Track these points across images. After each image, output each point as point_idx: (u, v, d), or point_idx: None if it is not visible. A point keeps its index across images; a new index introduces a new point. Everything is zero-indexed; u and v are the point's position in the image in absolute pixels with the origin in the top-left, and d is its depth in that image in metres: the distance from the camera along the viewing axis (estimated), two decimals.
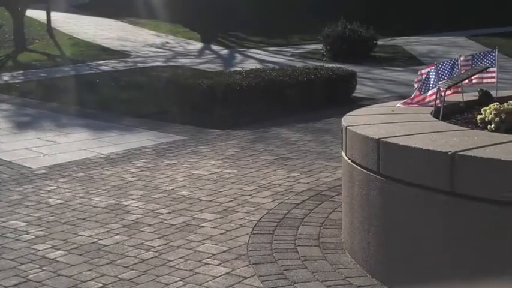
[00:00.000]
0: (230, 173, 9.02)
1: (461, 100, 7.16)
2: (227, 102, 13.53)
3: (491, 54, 7.73)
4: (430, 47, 27.25)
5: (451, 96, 7.21)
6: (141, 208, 7.54)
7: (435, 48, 26.73)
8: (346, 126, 5.76)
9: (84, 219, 7.20)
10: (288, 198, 7.64)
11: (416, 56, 24.99)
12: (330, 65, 17.09)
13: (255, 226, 6.67)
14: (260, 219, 6.91)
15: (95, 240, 6.48)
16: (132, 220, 7.09)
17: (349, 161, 5.63)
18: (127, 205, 7.68)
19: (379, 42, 25.71)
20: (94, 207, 7.67)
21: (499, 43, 27.78)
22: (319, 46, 25.75)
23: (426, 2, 37.10)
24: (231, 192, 8.04)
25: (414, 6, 36.78)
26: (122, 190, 8.38)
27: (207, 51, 27.87)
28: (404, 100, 6.95)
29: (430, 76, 6.54)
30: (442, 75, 6.63)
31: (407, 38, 30.04)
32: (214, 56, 26.62)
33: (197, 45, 29.39)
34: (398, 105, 6.88)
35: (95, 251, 6.16)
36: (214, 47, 28.78)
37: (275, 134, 11.91)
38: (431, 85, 6.49)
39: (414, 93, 6.77)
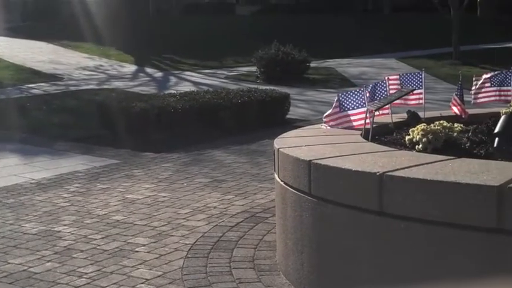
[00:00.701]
0: (164, 197, 8.97)
1: (390, 121, 7.33)
2: (161, 125, 13.48)
3: (419, 76, 7.96)
4: (361, 69, 27.79)
5: (380, 117, 7.38)
6: (73, 234, 7.42)
7: (367, 70, 27.29)
8: (278, 149, 5.82)
9: (14, 246, 7.04)
10: (223, 221, 7.64)
11: (348, 77, 25.44)
12: (264, 87, 17.23)
13: (189, 250, 6.65)
14: (195, 242, 6.89)
15: (26, 267, 6.33)
16: (64, 246, 6.96)
17: (282, 183, 5.68)
18: (59, 231, 7.54)
19: (312, 65, 26.07)
20: (25, 233, 7.50)
21: (428, 65, 28.58)
22: (253, 68, 25.94)
23: (357, 25, 37.90)
24: (165, 216, 7.99)
25: (346, 29, 37.51)
26: (53, 216, 8.22)
27: (141, 74, 27.70)
28: (326, 118, 7.02)
29: (356, 96, 6.67)
30: (371, 96, 6.79)
31: (339, 60, 30.56)
32: (148, 78, 26.49)
33: (131, 68, 29.18)
34: (323, 125, 6.99)
35: (26, 279, 6.02)
36: (149, 70, 28.63)
37: (210, 156, 11.91)
38: (357, 105, 6.63)
39: (333, 112, 6.86)
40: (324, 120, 7.02)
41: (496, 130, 5.48)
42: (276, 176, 6.02)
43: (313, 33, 35.31)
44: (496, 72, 8.74)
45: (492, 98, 8.60)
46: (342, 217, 4.83)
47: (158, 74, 27.74)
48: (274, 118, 15.07)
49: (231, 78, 25.63)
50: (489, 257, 4.01)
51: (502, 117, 5.64)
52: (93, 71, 28.31)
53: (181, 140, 13.04)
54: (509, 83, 8.65)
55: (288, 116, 15.99)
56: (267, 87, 17.29)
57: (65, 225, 7.79)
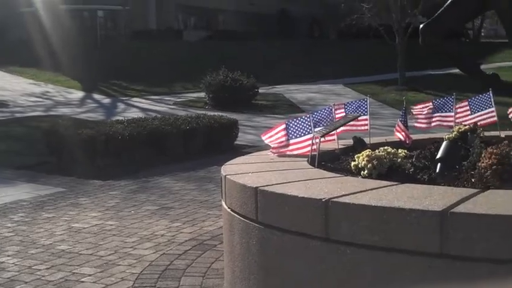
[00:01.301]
0: (111, 225, 8.85)
1: (337, 147, 7.41)
2: (108, 152, 13.35)
3: (364, 103, 8.08)
4: (309, 95, 28.11)
5: (327, 143, 7.45)
6: (17, 265, 7.25)
7: (314, 96, 27.62)
8: (225, 175, 5.82)
9: None
10: (171, 249, 7.58)
11: (296, 103, 25.70)
12: (212, 113, 17.26)
13: (136, 279, 6.56)
14: (142, 271, 6.80)
15: None
16: (7, 278, 6.80)
17: (229, 210, 5.67)
18: (2, 262, 7.36)
19: (261, 90, 26.28)
20: None
21: (375, 90, 29.09)
22: (202, 94, 25.99)
23: (305, 51, 38.34)
24: (112, 245, 7.88)
25: (294, 55, 37.90)
26: None
27: (89, 100, 27.48)
28: (272, 143, 7.06)
29: (302, 123, 6.73)
30: (317, 123, 6.86)
31: (287, 86, 30.85)
32: (95, 105, 26.28)
33: (78, 94, 28.93)
34: (271, 151, 7.03)
35: None
36: (96, 96, 28.43)
37: (158, 183, 11.83)
38: (303, 132, 6.68)
39: (280, 139, 6.91)
40: (271, 146, 7.05)
41: (438, 156, 5.59)
42: (223, 203, 6.01)
43: (261, 59, 35.59)
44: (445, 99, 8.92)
45: (434, 124, 8.76)
46: (288, 244, 4.84)
47: (106, 100, 27.55)
48: (222, 144, 15.09)
49: (179, 105, 25.61)
50: (433, 282, 4.06)
51: (444, 143, 5.76)
52: (39, 97, 27.97)
53: (129, 167, 12.94)
54: (451, 108, 8.84)
55: (236, 142, 16.03)
56: (216, 114, 17.33)
57: (8, 255, 7.61)
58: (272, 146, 6.98)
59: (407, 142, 7.99)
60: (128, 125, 14.45)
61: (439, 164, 5.52)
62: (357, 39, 45.51)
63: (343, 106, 7.90)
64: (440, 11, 7.08)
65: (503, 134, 8.84)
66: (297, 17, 48.97)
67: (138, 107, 24.86)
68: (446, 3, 7.07)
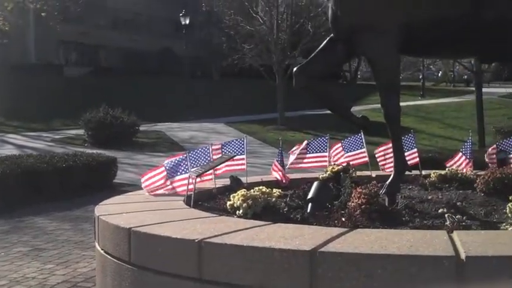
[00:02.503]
0: None
1: (214, 186, 7.45)
2: None
3: (241, 142, 8.19)
4: (191, 133, 28.16)
5: (205, 182, 7.48)
6: None
7: (196, 134, 27.68)
8: (98, 216, 5.70)
9: None
10: None
11: (177, 141, 25.67)
12: (91, 151, 16.93)
13: None
14: None
15: None
16: None
17: (102, 251, 5.55)
18: None
19: (142, 128, 26.06)
20: None
21: (255, 129, 29.56)
22: (81, 131, 25.46)
23: (188, 90, 38.48)
24: None
25: (176, 93, 37.95)
26: None
27: None
28: (149, 184, 7.03)
29: (179, 163, 6.74)
30: (193, 162, 6.88)
31: (169, 124, 30.79)
32: None
33: None
34: (146, 191, 6.98)
35: None
36: None
37: (32, 223, 11.40)
38: (180, 171, 6.69)
39: (157, 178, 6.90)
40: (145, 187, 7.01)
41: (309, 196, 5.73)
42: (96, 244, 5.88)
43: (144, 97, 35.40)
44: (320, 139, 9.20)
45: (309, 164, 9.00)
46: (162, 285, 4.78)
47: None
48: (100, 183, 14.79)
49: (57, 142, 24.96)
50: None
51: (314, 184, 5.92)
52: None
53: (2, 206, 12.41)
54: (326, 149, 9.12)
55: (115, 180, 15.77)
56: (94, 151, 17.00)
57: None
58: (149, 189, 6.95)
59: (283, 181, 8.15)
60: (0, 163, 13.89)
61: (310, 204, 5.66)
62: (238, 78, 46.19)
63: (220, 146, 7.98)
64: (312, 55, 7.32)
65: (374, 173, 9.20)
66: (180, 56, 49.11)
67: (13, 144, 24.00)
68: (318, 48, 7.32)
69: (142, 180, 7.03)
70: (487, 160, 9.93)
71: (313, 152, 8.96)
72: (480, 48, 7.40)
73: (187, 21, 40.56)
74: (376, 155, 9.53)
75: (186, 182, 6.59)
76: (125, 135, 24.26)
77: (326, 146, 9.09)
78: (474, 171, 9.00)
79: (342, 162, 8.97)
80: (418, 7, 6.78)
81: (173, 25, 49.33)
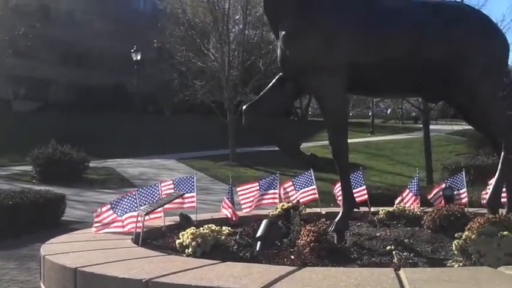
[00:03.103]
0: None
1: (163, 224, 7.39)
2: None
3: (191, 180, 8.17)
4: (141, 169, 27.92)
5: (154, 220, 7.42)
6: None
7: (146, 171, 27.45)
8: (44, 255, 5.60)
9: None
10: None
11: (128, 178, 25.41)
12: (39, 188, 16.62)
13: None
14: None
15: None
16: None
17: None
18: None
19: (92, 164, 25.75)
20: None
21: (207, 166, 29.48)
22: (29, 168, 25.03)
23: (139, 126, 38.28)
24: None
25: (127, 129, 37.71)
26: None
27: None
28: (97, 223, 6.96)
29: (128, 201, 6.69)
30: (142, 200, 6.83)
31: (120, 160, 30.50)
32: None
33: None
34: (94, 229, 6.90)
35: None
36: None
37: None
38: (128, 210, 6.63)
39: (104, 216, 6.83)
40: (95, 225, 6.92)
41: (258, 234, 5.74)
42: (41, 284, 5.76)
43: (94, 133, 35.05)
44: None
45: (260, 202, 9.03)
46: None
47: None
48: (48, 220, 14.51)
49: (4, 178, 24.43)
50: None
51: (264, 222, 5.93)
52: None
53: None
54: (276, 186, 9.16)
55: (63, 218, 15.50)
56: (42, 188, 16.70)
57: None
58: (98, 227, 6.86)
59: (233, 219, 8.14)
60: None
61: (259, 242, 5.66)
62: (190, 114, 46.15)
63: (171, 183, 7.95)
64: (262, 93, 7.40)
65: (324, 210, 9.26)
66: (131, 91, 48.89)
67: None
68: (268, 86, 7.40)
69: (95, 215, 6.95)
70: (431, 200, 10.11)
71: (264, 190, 9.00)
72: (424, 89, 7.60)
73: (139, 57, 40.48)
74: (335, 192, 9.58)
75: (134, 220, 6.53)
76: (74, 172, 23.92)
77: (276, 183, 9.14)
78: (421, 208, 9.15)
79: (292, 200, 9.02)
80: (364, 48, 6.94)
81: (125, 61, 49.09)
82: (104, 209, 6.81)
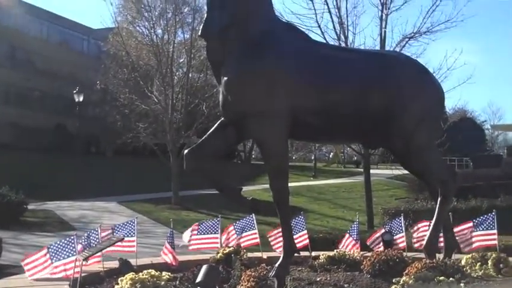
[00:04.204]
0: None
1: (102, 269, 7.29)
2: None
3: (131, 224, 8.10)
4: (82, 212, 27.43)
5: (93, 265, 7.31)
6: None
7: (87, 213, 26.99)
8: None
9: None
10: None
11: (68, 220, 24.90)
12: None
13: None
14: None
15: None
16: None
17: None
18: None
19: (31, 207, 25.19)
20: None
21: (149, 209, 29.17)
22: None
23: (80, 168, 37.77)
24: None
25: (68, 171, 37.13)
26: None
27: None
28: (33, 268, 6.83)
29: (66, 245, 6.59)
30: (81, 244, 6.73)
31: (60, 202, 29.91)
32: None
33: None
34: (29, 274, 6.76)
35: None
36: None
37: None
38: (66, 254, 6.53)
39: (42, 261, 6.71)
40: (28, 270, 6.78)
41: (198, 280, 5.71)
42: None
43: (34, 174, 34.37)
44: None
45: (202, 246, 9.01)
46: None
47: None
48: None
49: None
50: None
51: (204, 267, 5.91)
52: None
53: None
54: (217, 230, 9.15)
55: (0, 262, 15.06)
56: None
57: None
58: (31, 273, 6.72)
59: (173, 264, 8.08)
60: None
61: None
62: (133, 157, 45.74)
63: (110, 227, 7.87)
64: (203, 137, 7.45)
65: (265, 254, 9.28)
66: (74, 133, 48.28)
67: None
68: (209, 131, 7.47)
69: (24, 263, 6.81)
70: (370, 246, 10.25)
71: (204, 234, 8.98)
72: (363, 136, 7.77)
73: (81, 99, 40.10)
74: (269, 237, 9.62)
75: (72, 265, 6.42)
76: (12, 214, 23.34)
77: (217, 227, 9.14)
78: (361, 253, 9.25)
79: (234, 244, 9.02)
80: (304, 95, 7.08)
81: (67, 102, 48.58)
82: (39, 254, 6.69)
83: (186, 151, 7.33)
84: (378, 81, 7.38)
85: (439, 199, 7.84)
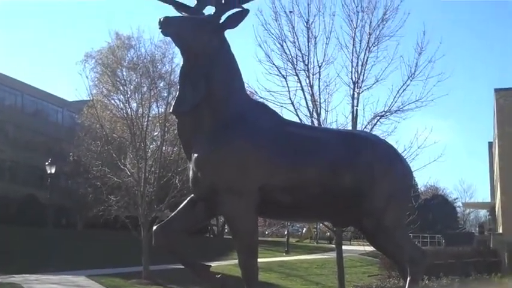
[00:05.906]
0: None
1: None
2: None
3: None
4: (50, 286, 26.91)
5: None
6: None
7: None
8: None
9: None
10: None
11: None
12: None
13: None
14: None
15: None
16: None
17: None
18: None
19: None
20: None
21: (118, 283, 28.71)
22: None
23: (49, 240, 37.19)
24: None
25: (37, 243, 36.54)
26: None
27: None
28: None
29: None
30: None
31: (27, 275, 29.32)
32: None
33: None
34: None
35: None
36: None
37: None
38: None
39: None
40: None
41: None
42: None
43: (1, 246, 33.77)
44: None
45: None
46: None
47: None
48: None
49: None
50: None
51: None
52: None
53: None
54: None
55: None
56: None
57: None
58: None
59: None
60: None
61: None
62: (104, 229, 45.24)
63: None
64: (173, 213, 7.46)
65: None
66: (44, 204, 47.75)
67: None
68: (179, 207, 7.47)
69: None
70: None
71: None
72: (333, 215, 7.83)
73: (53, 170, 39.82)
74: None
75: None
76: None
77: None
78: None
79: None
80: (274, 173, 7.17)
81: (39, 173, 48.23)
82: None
83: (155, 227, 7.31)
84: (347, 162, 7.50)
85: (408, 278, 7.85)
